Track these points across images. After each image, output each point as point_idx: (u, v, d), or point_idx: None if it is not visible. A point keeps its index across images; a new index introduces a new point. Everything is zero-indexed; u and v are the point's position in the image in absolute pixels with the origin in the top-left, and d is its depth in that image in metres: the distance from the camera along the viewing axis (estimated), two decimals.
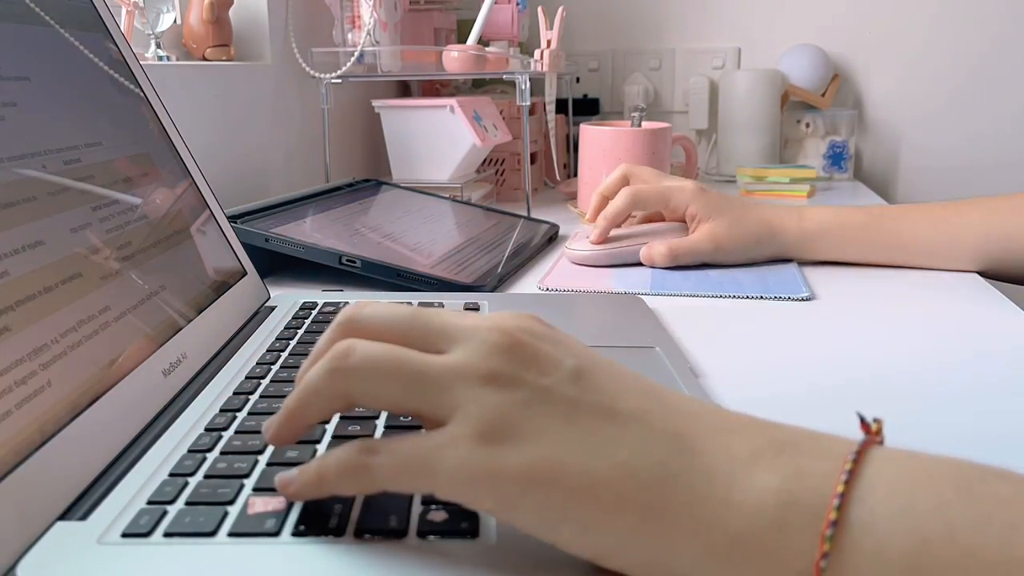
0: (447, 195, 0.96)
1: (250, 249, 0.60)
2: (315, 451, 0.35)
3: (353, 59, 0.96)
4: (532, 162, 1.16)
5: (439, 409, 0.27)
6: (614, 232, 0.75)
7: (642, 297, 0.63)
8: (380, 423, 0.38)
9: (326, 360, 0.28)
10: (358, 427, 0.37)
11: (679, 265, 0.72)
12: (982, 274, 0.69)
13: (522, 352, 0.28)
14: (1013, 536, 0.22)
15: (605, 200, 0.77)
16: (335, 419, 0.38)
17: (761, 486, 0.24)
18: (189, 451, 0.35)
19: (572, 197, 1.11)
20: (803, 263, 0.73)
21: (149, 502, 0.31)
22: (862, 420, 0.27)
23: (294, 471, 0.29)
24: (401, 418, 0.38)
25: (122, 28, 0.81)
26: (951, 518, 0.22)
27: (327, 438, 0.36)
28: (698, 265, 0.73)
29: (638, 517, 0.25)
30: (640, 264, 0.74)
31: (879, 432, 0.27)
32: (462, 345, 0.28)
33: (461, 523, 0.29)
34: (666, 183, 0.75)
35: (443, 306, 0.57)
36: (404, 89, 1.30)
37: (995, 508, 0.22)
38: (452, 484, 0.26)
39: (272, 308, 0.57)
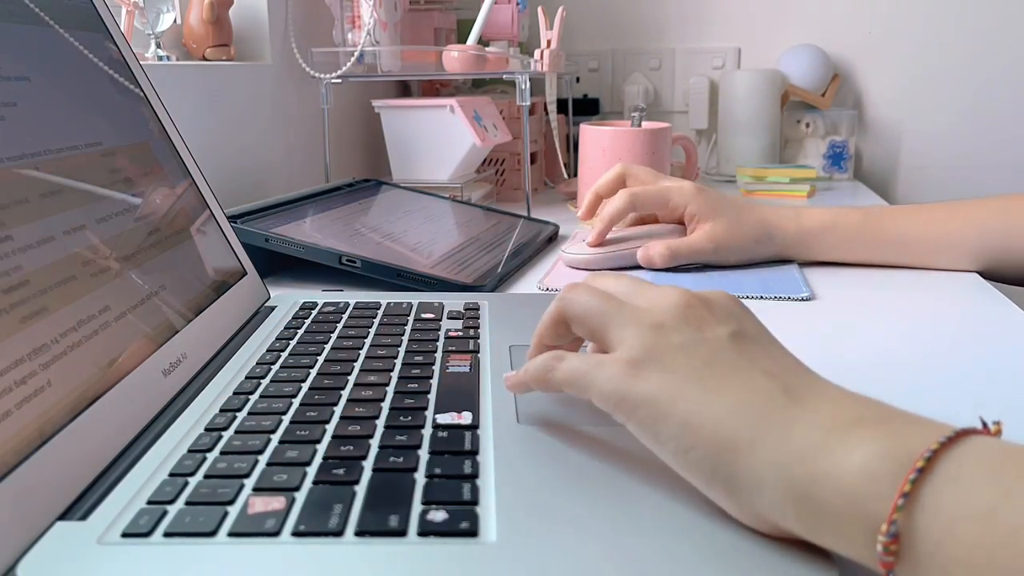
0: (447, 195, 0.96)
1: (250, 249, 0.60)
2: (315, 451, 0.35)
3: (353, 59, 0.96)
4: (532, 162, 1.16)
5: (612, 341, 0.34)
6: (611, 235, 0.75)
7: None
8: (380, 423, 0.38)
9: (555, 300, 0.38)
10: (358, 427, 0.37)
11: (678, 266, 0.72)
12: (981, 274, 0.69)
13: (692, 311, 0.34)
14: None
15: (600, 199, 0.77)
16: (335, 420, 0.38)
17: (855, 443, 0.26)
18: (189, 451, 0.35)
19: (572, 197, 1.11)
20: (803, 263, 0.73)
21: (149, 502, 0.31)
22: (984, 424, 0.27)
23: (517, 372, 0.38)
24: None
25: (122, 28, 0.81)
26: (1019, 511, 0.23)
27: (327, 437, 0.36)
28: (697, 267, 0.72)
29: (730, 451, 0.28)
30: (639, 267, 0.73)
31: (998, 433, 0.27)
32: (652, 300, 0.35)
33: (461, 523, 0.29)
34: (664, 183, 0.75)
35: (443, 306, 0.57)
36: (404, 89, 1.30)
37: None
38: (600, 394, 0.32)
39: (272, 308, 0.57)
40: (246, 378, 0.44)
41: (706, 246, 0.71)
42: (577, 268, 0.74)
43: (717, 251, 0.71)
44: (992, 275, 0.69)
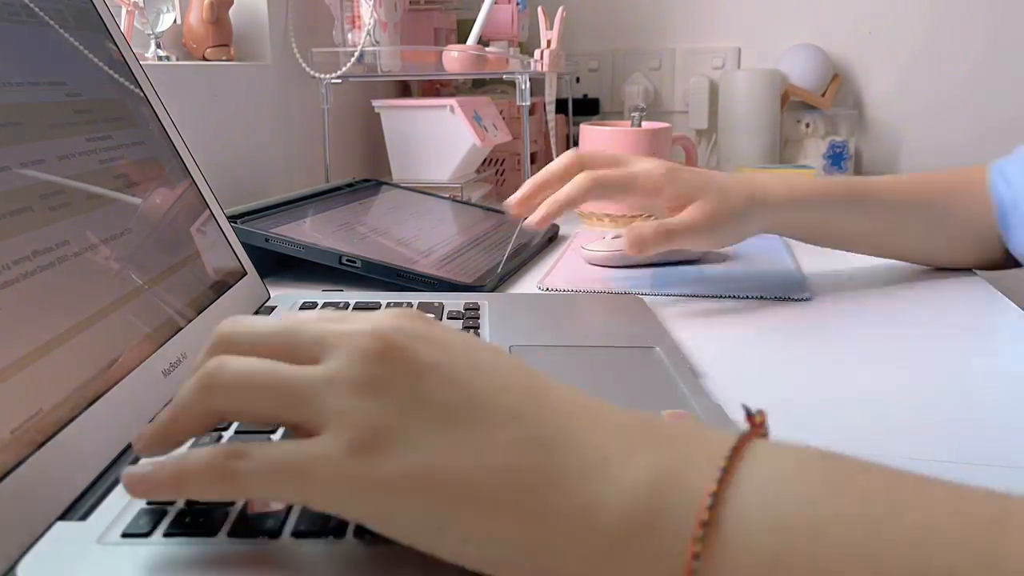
0: (447, 195, 0.96)
1: (250, 249, 0.60)
2: None
3: (353, 59, 0.96)
4: (532, 162, 1.15)
5: (312, 419, 0.26)
6: (591, 246, 0.74)
7: (642, 297, 0.63)
8: None
9: (196, 377, 0.28)
10: None
11: (673, 251, 0.65)
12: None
13: (395, 356, 0.27)
14: (877, 530, 0.22)
15: (542, 188, 0.63)
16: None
17: (634, 484, 0.24)
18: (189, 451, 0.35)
19: None
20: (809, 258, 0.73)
21: (149, 502, 0.31)
22: (748, 413, 0.27)
23: (147, 467, 0.27)
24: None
25: (122, 28, 0.81)
26: (818, 514, 0.22)
27: None
28: (694, 262, 0.72)
29: (517, 522, 0.24)
30: (646, 264, 0.73)
31: (762, 424, 0.26)
32: (335, 353, 0.27)
33: None
34: (631, 167, 0.63)
35: (443, 306, 0.57)
36: (404, 89, 1.30)
37: (861, 502, 0.23)
38: (327, 495, 0.25)
39: (272, 308, 0.57)
40: None
41: (704, 224, 0.60)
42: (597, 265, 0.74)
43: (715, 229, 0.61)
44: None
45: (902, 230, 0.68)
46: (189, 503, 0.30)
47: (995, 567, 0.20)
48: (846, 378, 0.48)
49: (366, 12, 0.98)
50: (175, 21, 0.92)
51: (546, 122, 1.13)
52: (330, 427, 0.26)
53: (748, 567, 0.22)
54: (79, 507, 0.31)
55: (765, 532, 0.22)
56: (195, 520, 0.29)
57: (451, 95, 1.12)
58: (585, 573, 0.24)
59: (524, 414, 0.26)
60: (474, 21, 0.99)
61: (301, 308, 0.56)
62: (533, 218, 0.62)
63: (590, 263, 0.75)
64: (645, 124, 1.00)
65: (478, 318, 0.54)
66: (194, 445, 0.32)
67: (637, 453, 0.25)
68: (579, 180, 0.61)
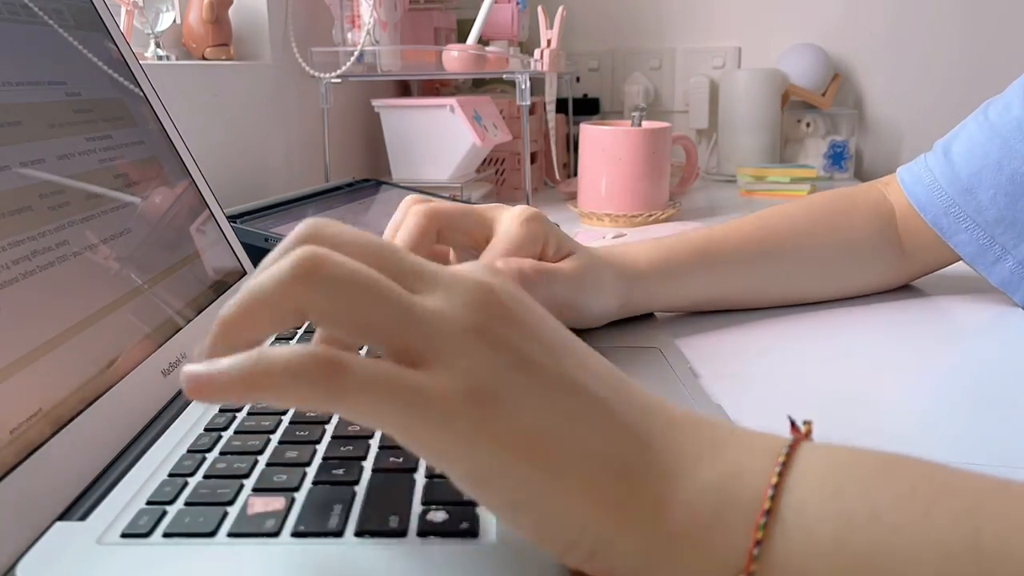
0: (447, 195, 0.96)
1: (250, 249, 0.60)
2: (314, 451, 0.35)
3: (353, 59, 0.96)
4: (532, 162, 1.15)
5: (421, 350, 0.24)
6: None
7: None
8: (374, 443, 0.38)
9: (288, 264, 0.23)
10: (358, 427, 0.37)
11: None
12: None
13: (506, 311, 0.26)
14: (933, 510, 0.22)
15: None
16: (335, 420, 0.38)
17: (702, 485, 0.25)
18: (188, 451, 0.35)
19: (572, 197, 1.11)
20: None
21: (149, 502, 0.31)
22: (792, 423, 0.27)
23: (218, 362, 0.23)
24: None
25: (122, 28, 0.81)
26: (874, 498, 0.23)
27: (327, 437, 0.36)
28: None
29: (596, 509, 0.24)
30: None
31: (808, 434, 0.27)
32: (444, 291, 0.25)
33: (461, 523, 0.29)
34: (500, 211, 0.50)
35: None
36: (404, 89, 1.30)
37: (916, 485, 0.23)
38: (435, 436, 0.24)
39: None
40: None
41: (578, 275, 0.50)
42: None
43: (583, 287, 0.50)
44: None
45: (775, 279, 0.60)
46: (189, 503, 0.30)
47: None
48: (846, 378, 0.48)
49: (366, 12, 0.98)
50: (175, 21, 0.92)
51: (546, 122, 1.13)
52: (444, 364, 0.24)
53: (808, 552, 0.23)
54: (79, 507, 0.31)
55: (824, 518, 0.23)
56: (195, 520, 0.29)
57: (451, 95, 1.12)
58: (644, 566, 0.24)
59: (611, 404, 0.26)
60: (474, 21, 0.99)
61: None
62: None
63: None
64: (645, 124, 1.00)
65: None
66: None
67: (706, 454, 0.26)
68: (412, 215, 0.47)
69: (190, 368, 0.23)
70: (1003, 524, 0.22)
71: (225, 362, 0.22)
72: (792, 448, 0.25)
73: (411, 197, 0.49)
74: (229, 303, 0.24)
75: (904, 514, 0.23)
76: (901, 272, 0.64)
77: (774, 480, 0.24)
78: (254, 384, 0.22)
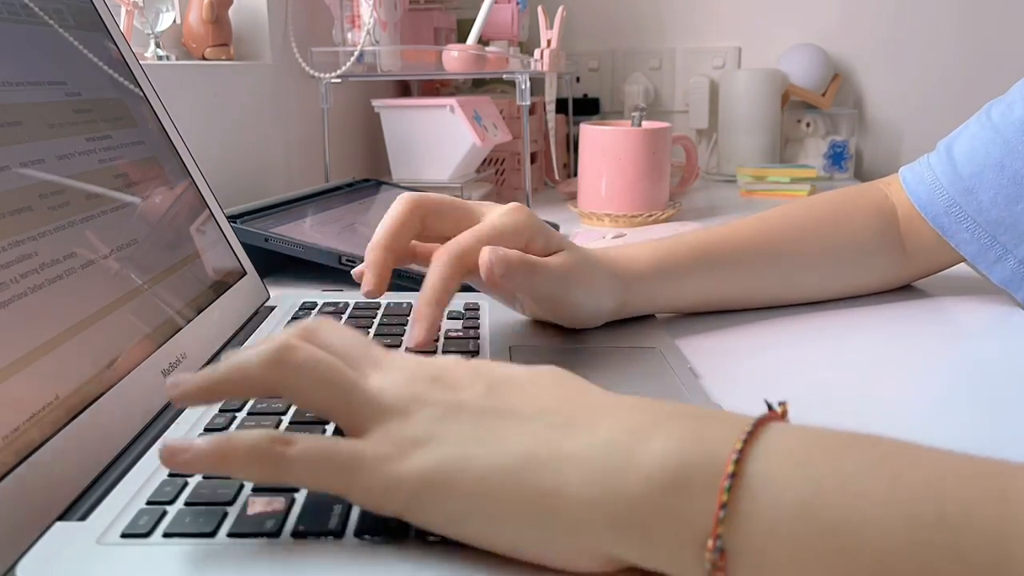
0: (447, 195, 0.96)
1: (250, 249, 0.60)
2: None
3: (353, 59, 0.96)
4: (532, 162, 1.16)
5: (359, 422, 0.29)
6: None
7: None
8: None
9: (273, 350, 0.29)
10: None
11: (511, 291, 0.50)
12: None
13: (440, 380, 0.30)
14: (899, 481, 0.23)
15: (387, 255, 0.47)
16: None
17: (660, 450, 0.25)
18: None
19: (572, 197, 1.11)
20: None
21: (148, 502, 0.31)
22: (768, 406, 0.28)
23: (188, 439, 0.28)
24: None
25: (122, 28, 0.81)
26: (842, 467, 0.24)
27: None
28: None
29: (539, 500, 0.26)
30: None
31: (784, 415, 0.28)
32: (387, 371, 0.30)
33: None
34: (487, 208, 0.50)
35: None
36: (404, 89, 1.30)
37: (883, 457, 0.24)
38: (365, 490, 0.27)
39: (272, 308, 0.57)
40: None
41: (564, 270, 0.48)
42: None
43: (568, 282, 0.49)
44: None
45: (775, 279, 0.60)
46: (189, 503, 0.31)
47: (1006, 498, 0.22)
48: (846, 378, 0.48)
49: (366, 12, 0.98)
50: (175, 21, 0.92)
51: (546, 122, 1.13)
52: (377, 428, 0.28)
53: (776, 518, 0.23)
54: (79, 507, 0.31)
55: (791, 486, 0.23)
56: (195, 520, 0.29)
57: (451, 95, 1.12)
58: (611, 538, 0.25)
59: (550, 409, 0.28)
60: (474, 21, 0.99)
61: (301, 308, 0.56)
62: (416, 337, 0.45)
63: None
64: (645, 124, 1.00)
65: (478, 318, 0.54)
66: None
67: (664, 425, 0.26)
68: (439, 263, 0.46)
69: (173, 441, 0.28)
70: (968, 494, 0.22)
71: (200, 442, 0.28)
72: (760, 422, 0.26)
73: (408, 192, 0.50)
74: (218, 366, 0.29)
75: (870, 483, 0.23)
76: (903, 272, 0.64)
77: (739, 446, 0.24)
78: (218, 464, 0.28)
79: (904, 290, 0.65)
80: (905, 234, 0.62)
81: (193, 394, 0.29)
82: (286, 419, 0.38)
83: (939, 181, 0.61)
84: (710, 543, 0.23)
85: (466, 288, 0.64)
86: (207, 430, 0.37)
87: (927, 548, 0.22)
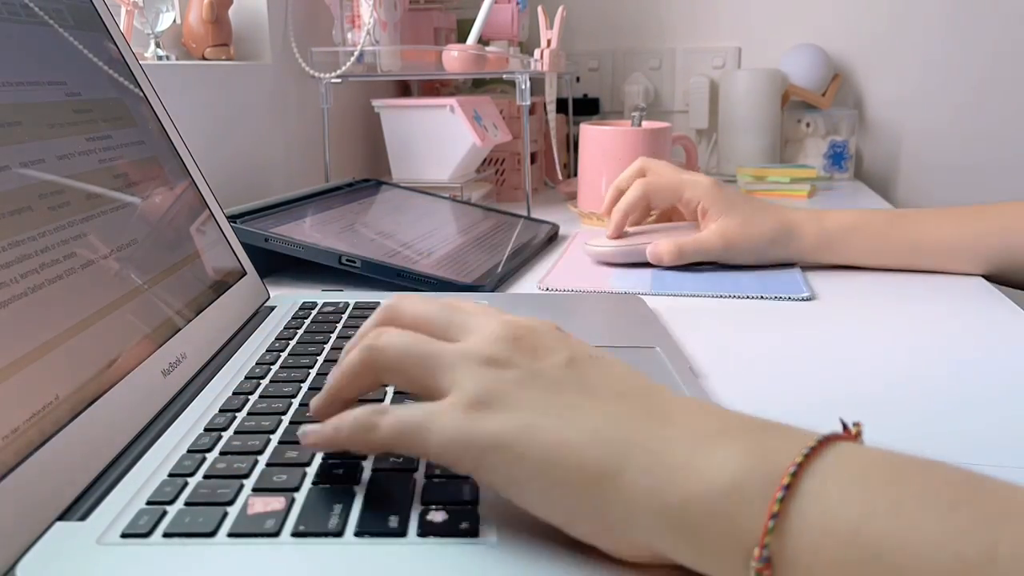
0: (447, 195, 0.96)
1: (250, 249, 0.60)
2: (312, 455, 0.35)
3: (353, 59, 0.96)
4: (532, 162, 1.15)
5: (443, 386, 0.30)
6: (636, 230, 0.75)
7: (642, 297, 0.63)
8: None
9: (361, 349, 0.32)
10: None
11: (688, 264, 0.71)
12: (988, 278, 0.69)
13: (522, 342, 0.31)
14: (954, 513, 0.22)
15: (621, 193, 0.75)
16: None
17: (722, 458, 0.25)
18: (189, 451, 0.35)
19: (572, 197, 1.11)
20: (809, 267, 0.72)
21: (149, 502, 0.31)
22: (844, 426, 0.28)
23: (316, 425, 0.32)
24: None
25: (122, 28, 0.81)
26: (898, 493, 0.23)
27: None
28: (705, 265, 0.72)
29: (599, 479, 0.26)
30: (647, 264, 0.73)
31: (858, 436, 0.27)
32: (474, 335, 0.32)
33: (461, 523, 0.29)
34: (682, 176, 0.73)
35: None
36: (404, 89, 1.30)
37: (943, 487, 0.23)
38: (439, 446, 0.29)
39: (272, 308, 0.57)
40: (246, 378, 0.44)
41: (717, 243, 0.69)
42: (601, 262, 0.75)
43: (728, 249, 0.69)
44: (998, 279, 0.69)
45: (928, 267, 0.69)
46: (189, 503, 0.31)
47: None
48: (846, 378, 0.48)
49: (366, 12, 0.98)
50: (175, 21, 0.92)
51: (546, 122, 1.13)
52: (453, 391, 0.30)
53: (824, 534, 0.23)
54: (79, 507, 0.31)
55: (844, 504, 0.23)
56: (195, 520, 0.29)
57: (451, 95, 1.12)
58: (660, 532, 0.26)
59: (627, 395, 0.29)
60: (474, 21, 0.99)
61: (301, 308, 0.56)
62: (609, 230, 0.74)
63: (595, 260, 0.75)
64: (645, 124, 1.00)
65: None
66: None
67: (729, 433, 0.27)
68: (633, 189, 0.73)
69: (305, 427, 0.32)
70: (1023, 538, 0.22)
71: (324, 425, 0.32)
72: (825, 440, 0.25)
73: (641, 165, 0.76)
74: (331, 375, 0.33)
75: (923, 513, 0.23)
76: None
77: (798, 460, 0.24)
78: (333, 439, 0.31)
79: (907, 290, 0.65)
80: None
81: (323, 409, 0.33)
82: (286, 419, 0.38)
83: None
84: (756, 552, 0.23)
85: (467, 288, 0.64)
86: (207, 430, 0.37)
87: None
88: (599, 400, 0.29)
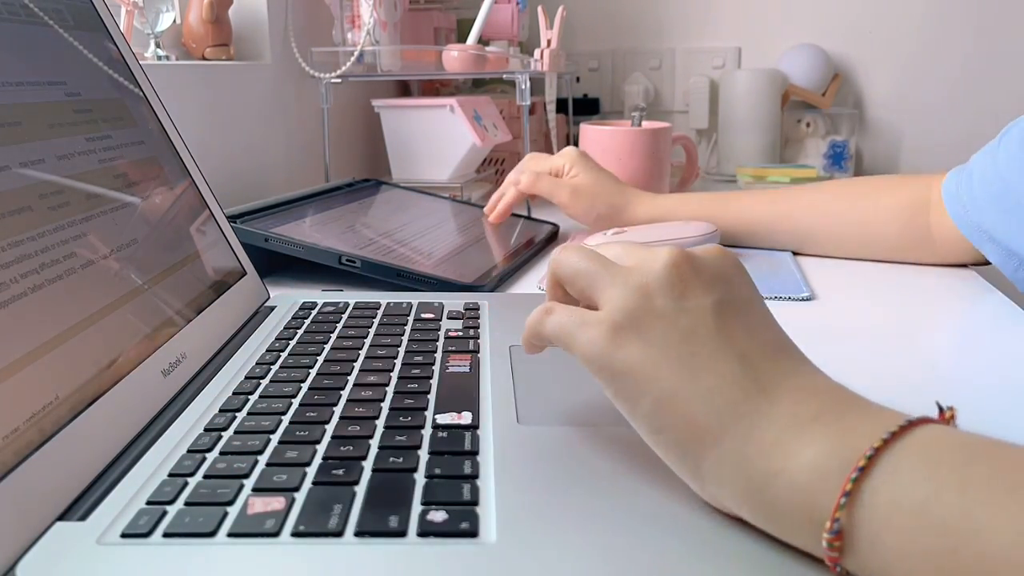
0: (447, 195, 0.96)
1: (250, 249, 0.60)
2: (314, 451, 0.35)
3: (353, 59, 0.96)
4: None
5: (600, 300, 0.33)
6: (634, 229, 0.75)
7: None
8: (380, 423, 0.38)
9: (551, 268, 0.37)
10: (358, 427, 0.37)
11: (531, 193, 0.83)
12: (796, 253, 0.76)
13: (678, 274, 0.33)
14: (1015, 494, 0.23)
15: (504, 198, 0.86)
16: (335, 420, 0.38)
17: (809, 439, 0.28)
18: (189, 451, 0.35)
19: None
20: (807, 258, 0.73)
21: (149, 502, 0.31)
22: (940, 409, 0.29)
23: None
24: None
25: (122, 28, 0.81)
26: (969, 472, 0.25)
27: (327, 438, 0.36)
28: None
29: (701, 436, 0.29)
30: None
31: (951, 419, 0.29)
32: (643, 261, 0.34)
33: (461, 523, 0.29)
34: (550, 157, 0.84)
35: (443, 306, 0.57)
36: (404, 89, 1.30)
37: (1013, 468, 0.24)
38: (582, 355, 0.33)
39: (272, 308, 0.57)
40: (246, 378, 0.44)
41: (565, 188, 0.81)
42: None
43: (572, 197, 0.81)
44: (802, 252, 0.77)
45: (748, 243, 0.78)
46: (189, 503, 0.31)
47: None
48: (845, 377, 0.48)
49: (366, 12, 0.98)
50: (175, 21, 0.92)
51: (546, 122, 1.13)
52: (610, 305, 0.33)
53: (892, 511, 0.25)
54: (79, 507, 0.31)
55: (915, 483, 0.25)
56: (195, 520, 0.29)
57: (451, 95, 1.12)
58: (742, 500, 0.29)
59: (751, 359, 0.31)
60: (474, 21, 0.99)
61: (301, 308, 0.56)
62: (492, 217, 0.84)
63: None
64: (645, 124, 1.00)
65: (478, 318, 0.54)
66: None
67: (824, 418, 0.28)
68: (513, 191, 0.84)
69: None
70: None
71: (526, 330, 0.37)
72: (912, 423, 0.27)
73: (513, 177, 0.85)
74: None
75: (990, 492, 0.24)
76: (928, 257, 0.72)
77: (876, 444, 0.26)
78: (529, 336, 0.36)
79: (906, 288, 0.65)
80: (935, 228, 0.70)
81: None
82: (286, 419, 0.38)
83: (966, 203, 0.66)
84: (828, 524, 0.25)
85: (466, 288, 0.64)
86: (207, 430, 0.37)
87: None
88: (724, 358, 0.30)
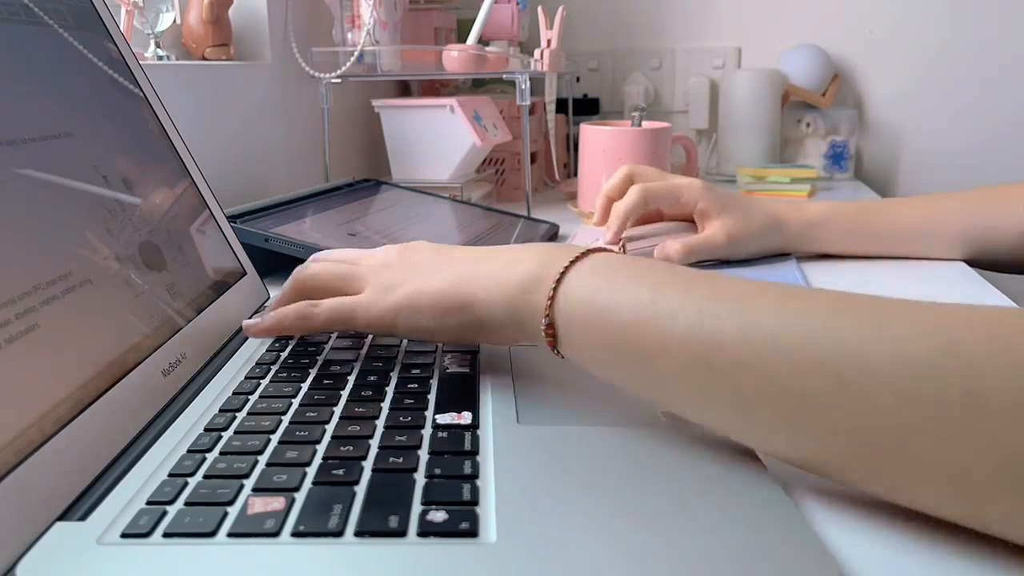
0: (447, 195, 0.96)
1: (250, 249, 0.60)
2: (314, 451, 0.35)
3: (353, 59, 0.96)
4: (532, 162, 1.15)
5: (359, 287, 0.46)
6: (625, 233, 0.75)
7: None
8: (379, 423, 0.38)
9: (292, 280, 0.49)
10: (358, 427, 0.37)
11: (693, 262, 0.73)
12: (968, 262, 0.71)
13: (405, 249, 0.47)
14: (657, 289, 0.35)
15: (611, 201, 0.76)
16: (335, 420, 0.38)
17: (526, 267, 0.40)
18: (189, 451, 0.35)
19: (572, 197, 1.11)
20: (803, 258, 0.74)
21: (148, 502, 0.31)
22: (624, 248, 0.42)
23: (256, 318, 0.48)
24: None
25: (122, 28, 0.81)
26: (625, 276, 0.37)
27: (327, 438, 0.36)
28: (702, 264, 0.73)
29: (466, 304, 0.41)
30: None
31: (623, 249, 0.37)
32: (375, 255, 0.47)
33: (461, 523, 0.29)
34: (674, 180, 0.76)
35: None
36: (404, 89, 1.30)
37: (663, 273, 0.36)
38: (367, 317, 0.44)
39: None
40: (246, 378, 0.44)
41: (721, 240, 0.73)
42: None
43: (732, 245, 0.73)
44: (976, 263, 0.71)
45: (905, 252, 0.73)
46: (189, 503, 0.31)
47: (744, 310, 0.33)
48: None
49: (366, 12, 0.98)
50: (175, 21, 0.92)
51: (546, 122, 1.13)
52: (369, 284, 0.45)
53: (575, 304, 0.37)
54: (79, 507, 0.31)
55: (587, 285, 0.37)
56: (195, 520, 0.29)
57: (451, 95, 1.12)
58: (504, 324, 0.41)
59: (471, 253, 0.44)
60: (474, 21, 0.99)
61: None
62: (607, 236, 0.73)
63: None
64: (645, 124, 1.00)
65: None
66: None
67: (533, 253, 0.41)
68: (630, 195, 0.74)
69: (247, 322, 0.49)
70: (711, 307, 0.33)
71: (266, 317, 0.48)
72: (592, 249, 0.40)
73: (628, 172, 0.77)
74: (278, 302, 0.50)
75: (634, 285, 0.36)
76: None
77: (566, 263, 0.39)
78: (275, 328, 0.48)
79: (904, 286, 0.65)
80: None
81: (258, 332, 0.49)
82: (286, 419, 0.38)
83: None
84: (542, 320, 0.38)
85: None
86: (207, 430, 0.37)
87: (644, 326, 0.34)
88: (453, 261, 0.44)
